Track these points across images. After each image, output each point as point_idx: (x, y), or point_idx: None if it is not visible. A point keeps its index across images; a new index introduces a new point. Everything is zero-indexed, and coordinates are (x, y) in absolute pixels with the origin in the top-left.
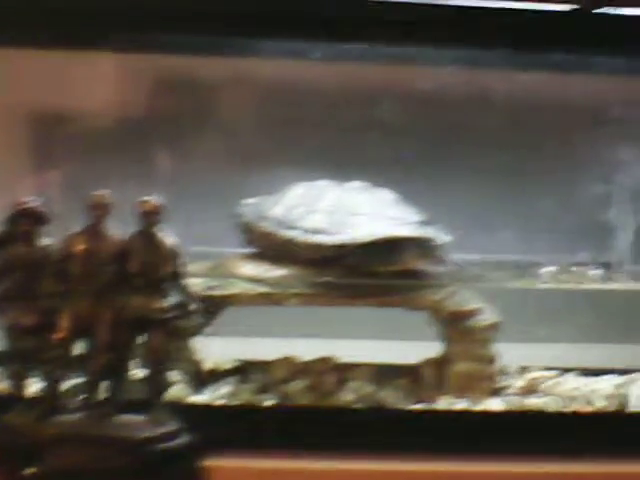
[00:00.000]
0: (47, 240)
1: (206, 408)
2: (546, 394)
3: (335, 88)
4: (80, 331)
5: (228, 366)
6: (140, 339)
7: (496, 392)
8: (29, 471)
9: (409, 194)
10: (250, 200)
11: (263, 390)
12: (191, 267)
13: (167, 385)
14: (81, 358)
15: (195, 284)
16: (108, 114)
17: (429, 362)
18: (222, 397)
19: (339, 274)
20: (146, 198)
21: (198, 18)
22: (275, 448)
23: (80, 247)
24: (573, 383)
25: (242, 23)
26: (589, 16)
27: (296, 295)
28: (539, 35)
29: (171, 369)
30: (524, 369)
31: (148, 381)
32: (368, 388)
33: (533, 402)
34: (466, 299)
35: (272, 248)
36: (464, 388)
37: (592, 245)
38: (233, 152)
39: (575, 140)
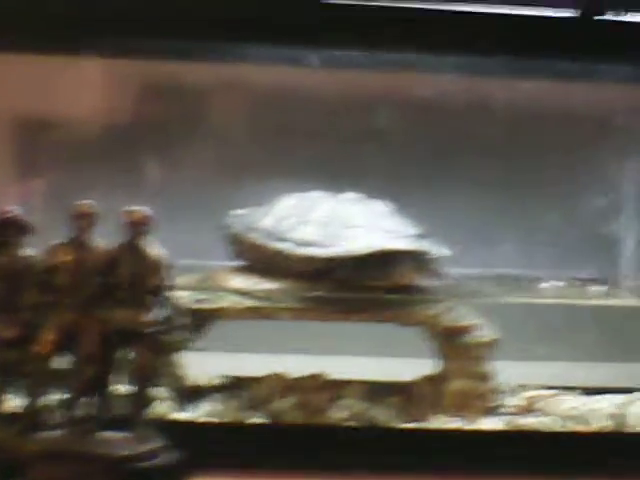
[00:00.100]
0: (30, 251)
1: (191, 425)
2: (543, 413)
3: (328, 96)
4: (63, 344)
5: (215, 382)
6: (125, 353)
7: (492, 411)
8: None
9: (405, 206)
10: (239, 211)
11: (250, 407)
12: (179, 280)
13: (151, 401)
14: (64, 372)
15: (182, 297)
16: (94, 121)
17: (423, 380)
18: (208, 414)
19: (331, 288)
20: (133, 208)
21: (187, 23)
22: (262, 468)
23: (64, 258)
24: (572, 402)
25: (233, 28)
26: (591, 22)
27: (286, 309)
28: (540, 42)
29: (157, 385)
30: (521, 387)
31: (132, 397)
32: (360, 406)
33: (530, 421)
34: (462, 315)
35: (262, 260)
36: (459, 406)
37: (595, 260)
38: (222, 161)
39: (578, 150)
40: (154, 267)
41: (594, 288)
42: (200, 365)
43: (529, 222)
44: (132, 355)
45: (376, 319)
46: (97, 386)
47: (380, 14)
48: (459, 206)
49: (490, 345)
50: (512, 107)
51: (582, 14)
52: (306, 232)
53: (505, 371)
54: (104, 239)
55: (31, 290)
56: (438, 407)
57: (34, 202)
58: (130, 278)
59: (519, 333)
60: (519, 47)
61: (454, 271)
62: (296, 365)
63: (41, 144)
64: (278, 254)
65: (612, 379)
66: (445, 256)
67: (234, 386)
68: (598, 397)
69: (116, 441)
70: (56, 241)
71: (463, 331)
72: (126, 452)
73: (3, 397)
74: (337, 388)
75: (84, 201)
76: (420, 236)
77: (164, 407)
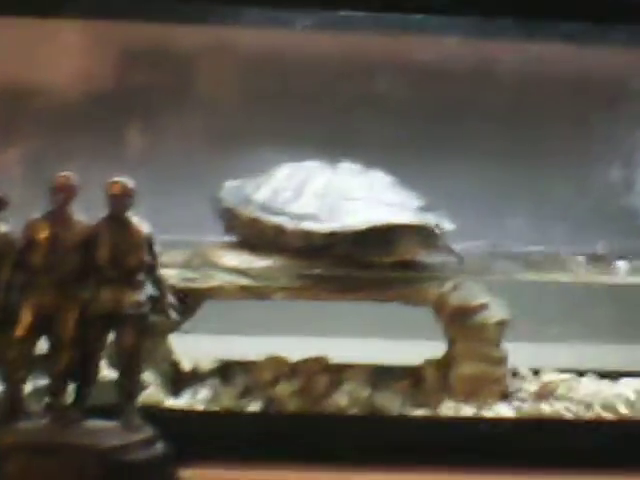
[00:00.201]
0: (4, 227)
1: (183, 413)
2: (559, 399)
3: (325, 60)
4: (43, 328)
5: (208, 367)
6: (110, 337)
7: (505, 397)
8: None
9: (407, 177)
10: (231, 182)
11: (246, 394)
12: (165, 257)
13: (140, 388)
14: (44, 358)
15: (170, 276)
16: (74, 87)
17: (431, 363)
18: (201, 401)
19: (330, 265)
20: (116, 179)
21: None
22: (259, 458)
23: (42, 234)
24: (589, 387)
25: None
26: None
27: (282, 288)
28: (550, 1)
29: (145, 370)
30: (537, 371)
31: (119, 383)
32: (363, 392)
33: (544, 408)
34: (472, 293)
35: (255, 236)
36: (470, 392)
37: (612, 234)
38: (212, 129)
39: (592, 117)
40: (138, 243)
41: (615, 264)
42: (190, 349)
43: (541, 193)
44: (116, 338)
45: (379, 298)
46: (79, 372)
47: None
48: (466, 177)
49: (501, 326)
50: (520, 72)
51: None
52: (303, 205)
53: (518, 354)
54: (84, 213)
55: (6, 269)
56: (446, 393)
57: (9, 174)
58: (112, 256)
59: (532, 312)
60: (527, 7)
61: (461, 246)
62: (294, 348)
63: (18, 112)
64: (273, 229)
65: (631, 362)
66: (451, 230)
67: (228, 371)
68: (617, 381)
69: (102, 431)
70: (33, 216)
71: (472, 311)
72: (113, 443)
73: None
74: (339, 372)
75: (63, 172)
76: (424, 209)
77: (153, 394)
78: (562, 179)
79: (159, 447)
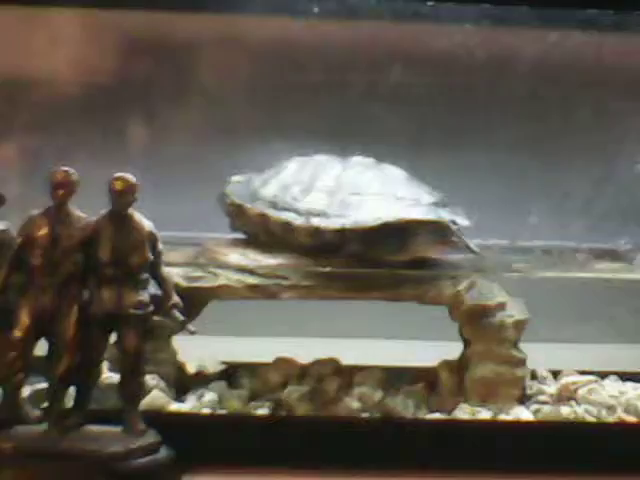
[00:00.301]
0: (2, 224)
1: (188, 418)
2: (580, 402)
3: (335, 50)
4: (42, 329)
5: (214, 369)
6: (112, 338)
7: (524, 400)
8: None
9: (422, 171)
10: (237, 177)
11: (254, 397)
12: (170, 255)
13: (143, 392)
14: (43, 360)
15: (175, 274)
16: (73, 79)
17: (446, 365)
18: (207, 405)
19: (341, 263)
20: (117, 175)
21: None
22: (268, 465)
23: (41, 232)
24: (611, 389)
25: None
26: None
27: (291, 287)
28: None
29: (148, 373)
30: (556, 373)
31: (121, 387)
32: (376, 395)
33: (565, 411)
34: (489, 292)
35: (264, 233)
36: (486, 395)
37: (635, 230)
38: (217, 122)
39: (612, 109)
40: (141, 241)
41: (634, 260)
42: (196, 351)
43: (561, 188)
44: (118, 340)
45: (391, 298)
46: (80, 375)
47: None
48: (482, 171)
49: (519, 326)
50: (539, 61)
51: None
52: (312, 201)
53: (536, 355)
54: (85, 210)
55: (5, 268)
56: (462, 396)
57: (7, 170)
58: (114, 254)
59: (551, 312)
60: None
61: (478, 243)
62: (304, 350)
63: (14, 104)
64: (281, 226)
65: None
66: (467, 226)
67: (235, 374)
68: None
69: (103, 436)
70: (31, 213)
71: (489, 310)
72: (115, 449)
73: None
74: (350, 375)
75: (62, 168)
76: (439, 204)
77: (157, 398)
78: (582, 172)
79: (163, 453)
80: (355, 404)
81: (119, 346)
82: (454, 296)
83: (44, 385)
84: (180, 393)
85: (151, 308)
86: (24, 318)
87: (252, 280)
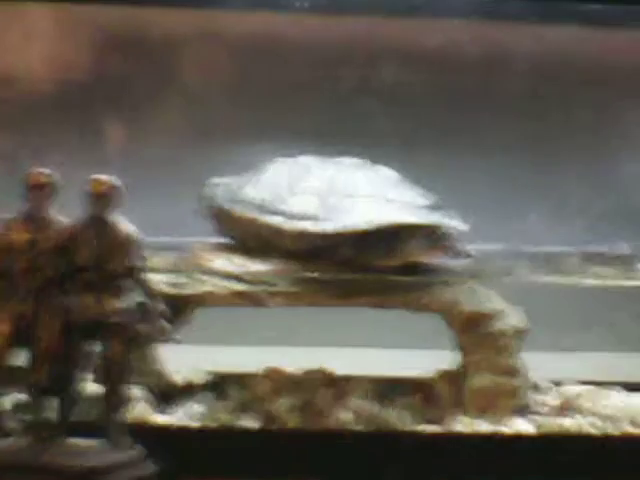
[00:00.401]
0: None
1: (174, 431)
2: (581, 413)
3: (323, 46)
4: (21, 338)
5: (200, 380)
6: (93, 347)
7: (523, 411)
8: None
9: (415, 172)
10: (221, 179)
11: (243, 409)
12: (153, 260)
13: (125, 402)
14: (22, 370)
15: (158, 281)
16: (49, 77)
17: (442, 375)
18: (193, 417)
19: (330, 269)
20: (97, 177)
21: None
22: (257, 479)
23: (18, 236)
24: (613, 400)
25: None
26: None
27: (279, 294)
28: None
29: (131, 383)
30: (558, 384)
31: (104, 398)
32: (370, 407)
33: (565, 423)
34: (486, 299)
35: (250, 237)
36: (485, 406)
37: (636, 234)
38: (199, 121)
39: (612, 108)
40: (123, 246)
41: (635, 266)
42: (180, 360)
43: (559, 191)
44: (100, 349)
45: (384, 305)
46: (60, 386)
47: None
48: (478, 173)
49: (518, 334)
50: (536, 58)
51: None
52: (300, 204)
53: (537, 364)
54: (64, 214)
55: None
56: (458, 407)
57: None
58: (95, 259)
59: (551, 320)
60: None
61: (474, 248)
62: (294, 359)
63: None
64: (268, 229)
65: None
66: (463, 230)
67: (222, 384)
68: None
69: (86, 450)
70: (7, 216)
71: (487, 318)
72: (97, 463)
73: None
74: (343, 386)
75: (40, 169)
76: (433, 207)
77: (141, 410)
78: (580, 174)
79: (147, 468)
80: (348, 416)
81: (102, 355)
82: (450, 303)
83: (24, 396)
84: (165, 405)
85: (135, 316)
86: (2, 326)
87: (238, 286)
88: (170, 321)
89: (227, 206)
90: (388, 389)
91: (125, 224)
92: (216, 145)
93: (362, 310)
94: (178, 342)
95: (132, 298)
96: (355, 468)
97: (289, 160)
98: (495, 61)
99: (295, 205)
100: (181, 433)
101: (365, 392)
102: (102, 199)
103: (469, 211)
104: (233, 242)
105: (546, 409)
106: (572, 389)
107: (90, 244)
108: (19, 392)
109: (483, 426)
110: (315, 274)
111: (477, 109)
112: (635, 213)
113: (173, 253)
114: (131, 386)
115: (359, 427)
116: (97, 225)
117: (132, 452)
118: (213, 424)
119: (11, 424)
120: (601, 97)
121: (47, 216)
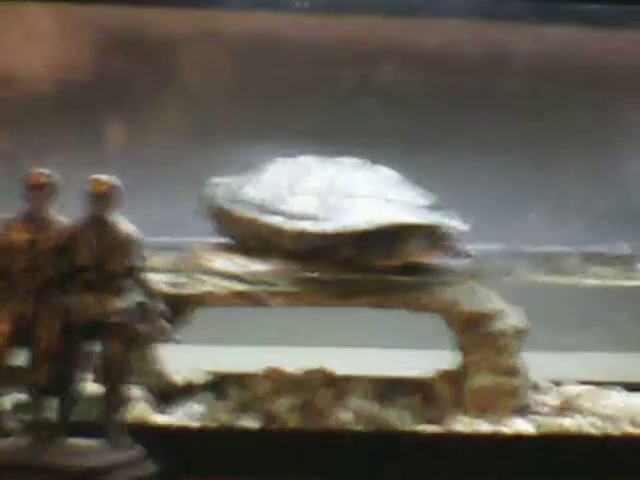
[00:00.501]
0: None
1: (174, 431)
2: (581, 413)
3: (323, 45)
4: (21, 338)
5: (200, 380)
6: (93, 347)
7: (523, 411)
8: None
9: (415, 172)
10: (222, 179)
11: (243, 409)
12: (153, 260)
13: (125, 403)
14: (22, 370)
15: (158, 281)
16: (48, 76)
17: (442, 375)
18: (193, 418)
19: (331, 269)
20: (97, 177)
21: None
22: (257, 479)
23: (18, 237)
24: (613, 400)
25: None
26: None
27: (279, 294)
28: None
29: (131, 384)
30: (558, 384)
31: (104, 398)
32: (370, 407)
33: (565, 423)
34: (486, 299)
35: (249, 237)
36: (485, 406)
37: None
38: (199, 120)
39: (613, 108)
40: (123, 246)
41: (635, 266)
42: (180, 360)
43: (558, 190)
44: (100, 349)
45: (384, 305)
46: (60, 386)
47: None
48: (478, 172)
49: (518, 334)
50: (535, 58)
51: None
52: (300, 204)
53: (537, 364)
54: (64, 214)
55: None
56: (458, 407)
57: None
58: (95, 259)
59: (551, 320)
60: None
61: (474, 248)
62: (294, 359)
63: None
64: (268, 229)
65: None
66: (463, 230)
67: (221, 384)
68: None
69: (86, 450)
70: (7, 216)
71: (487, 318)
72: (97, 463)
73: None
74: (343, 386)
75: (40, 169)
76: (433, 207)
77: (142, 410)
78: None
79: (147, 468)
80: (348, 416)
81: (102, 355)
82: (450, 303)
83: (24, 396)
84: (165, 405)
85: (135, 316)
86: (2, 326)
87: (239, 286)
88: (170, 321)
89: (227, 206)
90: (388, 389)
91: (125, 224)
92: (216, 145)
93: (362, 310)
94: (178, 342)
95: (132, 298)
96: (355, 468)
97: (289, 160)
98: (494, 61)
99: (295, 205)
100: (181, 433)
101: (365, 392)
102: (102, 199)
103: (469, 211)
104: (233, 242)
105: (546, 409)
106: (572, 389)
107: (90, 244)
108: (19, 392)
109: (483, 426)
110: (315, 274)
111: (477, 109)
112: (635, 213)
113: (173, 253)
114: (131, 386)
115: (359, 427)
116: (97, 225)
117: (132, 452)
118: (213, 424)
119: (11, 424)
120: (601, 97)
121: (47, 216)
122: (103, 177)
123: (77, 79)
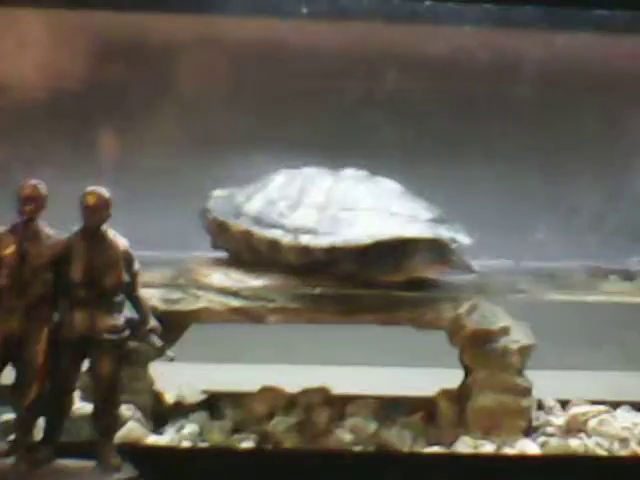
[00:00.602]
0: None
1: (167, 451)
2: (590, 434)
3: (325, 53)
4: (9, 355)
5: (194, 399)
6: (84, 365)
7: (530, 432)
8: None
9: (419, 184)
10: (219, 192)
11: (238, 429)
12: (147, 275)
13: (118, 423)
14: (11, 388)
15: (152, 296)
16: (39, 84)
17: (445, 394)
18: (187, 438)
19: (331, 284)
20: (89, 189)
21: None
22: None
23: (8, 250)
24: (624, 420)
25: None
26: None
27: (278, 310)
28: None
29: (123, 403)
30: (564, 403)
31: (95, 418)
32: (370, 427)
33: (574, 444)
34: (492, 315)
35: (248, 252)
36: (489, 426)
37: None
38: (197, 131)
39: (623, 117)
40: (115, 260)
41: None
42: (174, 378)
43: (567, 204)
44: (91, 367)
45: (386, 321)
46: (50, 405)
47: None
48: (483, 185)
49: (525, 352)
50: (543, 65)
51: None
52: (301, 217)
53: (544, 383)
54: (55, 227)
55: None
56: (463, 427)
57: None
58: (87, 274)
59: (559, 337)
60: None
61: (479, 263)
62: (292, 378)
63: None
64: (267, 244)
65: None
66: (468, 244)
67: (217, 404)
68: None
69: (75, 471)
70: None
71: (492, 335)
72: None
73: None
74: (341, 405)
75: (30, 181)
76: (437, 220)
77: (133, 429)
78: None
79: None
80: (347, 436)
81: (92, 373)
82: (454, 320)
83: (11, 415)
84: (158, 424)
85: (126, 332)
86: None
87: (236, 302)
88: (163, 338)
89: (225, 219)
90: (389, 408)
91: (119, 238)
92: (216, 157)
93: (362, 327)
94: (172, 360)
95: (124, 314)
96: None
97: (290, 172)
98: (501, 69)
99: (295, 218)
100: (173, 454)
101: (365, 411)
102: (95, 212)
103: (474, 225)
104: (230, 256)
105: (553, 429)
106: (579, 408)
107: (82, 258)
108: (7, 411)
109: (487, 447)
110: (315, 290)
111: (482, 119)
112: None
113: (168, 268)
114: (122, 405)
115: (358, 447)
116: (90, 239)
117: (123, 473)
118: (207, 444)
119: (1, 444)
120: (610, 105)
121: (38, 229)
122: (96, 190)
123: (72, 87)
